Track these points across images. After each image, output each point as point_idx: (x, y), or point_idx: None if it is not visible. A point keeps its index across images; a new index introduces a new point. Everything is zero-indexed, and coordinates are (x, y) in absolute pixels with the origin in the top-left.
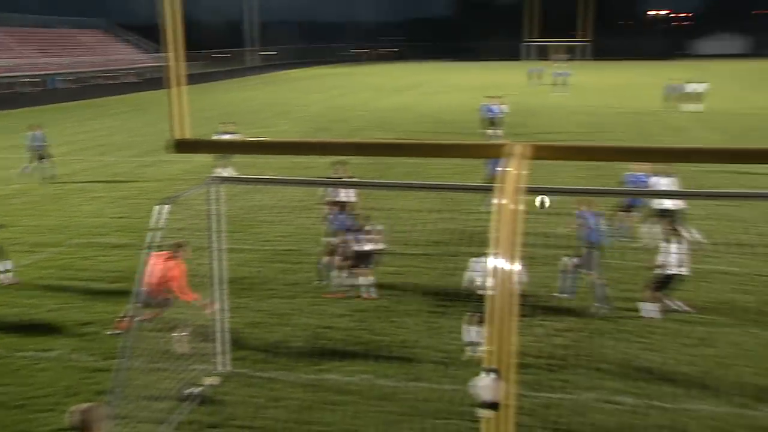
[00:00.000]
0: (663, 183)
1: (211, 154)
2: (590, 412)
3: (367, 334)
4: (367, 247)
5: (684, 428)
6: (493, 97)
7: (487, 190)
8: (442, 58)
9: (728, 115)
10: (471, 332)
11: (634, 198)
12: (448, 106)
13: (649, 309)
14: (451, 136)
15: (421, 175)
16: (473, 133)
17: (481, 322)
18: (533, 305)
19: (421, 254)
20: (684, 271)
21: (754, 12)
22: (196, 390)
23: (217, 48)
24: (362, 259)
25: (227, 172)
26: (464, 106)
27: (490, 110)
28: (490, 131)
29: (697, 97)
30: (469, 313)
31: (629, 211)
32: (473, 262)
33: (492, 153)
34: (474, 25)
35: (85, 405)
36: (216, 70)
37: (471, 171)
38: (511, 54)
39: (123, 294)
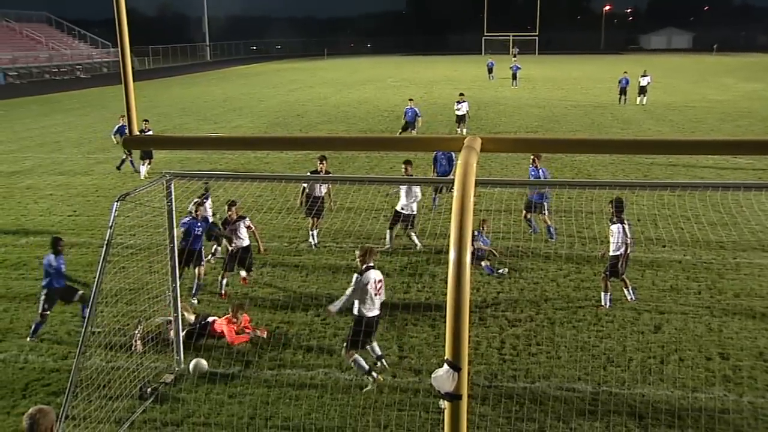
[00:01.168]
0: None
1: (159, 150)
2: (547, 400)
3: (328, 328)
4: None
5: (638, 413)
6: (411, 99)
7: (444, 183)
8: (403, 52)
9: (675, 107)
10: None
11: (540, 194)
12: (407, 100)
13: (604, 297)
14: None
15: (381, 169)
16: (432, 125)
17: None
18: (490, 297)
19: (379, 248)
20: (630, 250)
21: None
22: (153, 388)
23: (171, 43)
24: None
25: (144, 168)
26: (424, 101)
27: (407, 113)
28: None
29: (643, 90)
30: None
31: (535, 210)
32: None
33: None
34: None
35: (33, 408)
36: (170, 65)
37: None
38: (474, 48)
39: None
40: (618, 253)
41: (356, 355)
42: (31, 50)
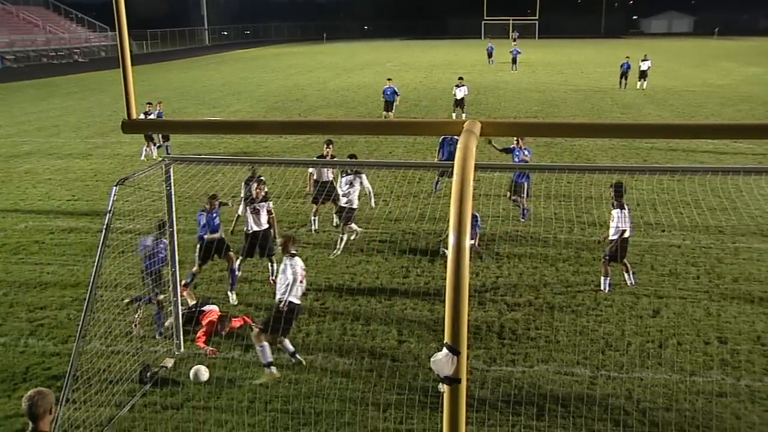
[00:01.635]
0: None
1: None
2: (546, 383)
3: (327, 312)
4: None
5: (636, 396)
6: (390, 79)
7: (444, 168)
8: (402, 36)
9: (675, 92)
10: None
11: (520, 175)
12: (407, 84)
13: (603, 282)
14: (410, 114)
15: (380, 153)
16: (432, 110)
17: None
18: (489, 281)
19: (379, 232)
20: (628, 234)
21: None
22: (152, 372)
23: (170, 27)
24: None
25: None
26: (424, 85)
27: (385, 92)
28: (385, 113)
29: (644, 74)
30: None
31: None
32: None
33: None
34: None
35: (32, 391)
36: (169, 49)
37: (427, 149)
38: (474, 32)
39: (76, 278)
40: (619, 237)
41: (265, 342)
42: (29, 34)
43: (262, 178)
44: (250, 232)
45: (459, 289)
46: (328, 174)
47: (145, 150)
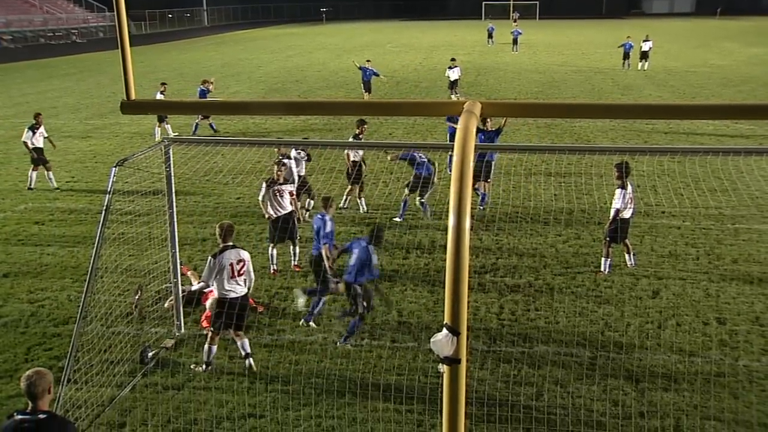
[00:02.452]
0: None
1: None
2: (545, 364)
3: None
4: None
5: (635, 377)
6: (368, 60)
7: (444, 148)
8: (402, 17)
9: (676, 73)
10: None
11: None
12: (407, 66)
13: (603, 263)
14: (410, 95)
15: (380, 135)
16: (431, 91)
17: None
18: (489, 263)
19: (379, 213)
20: (628, 214)
21: None
22: (153, 353)
23: (168, 8)
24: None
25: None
26: (423, 66)
27: (365, 72)
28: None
29: (645, 55)
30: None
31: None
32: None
33: (450, 111)
34: None
35: (31, 371)
36: (167, 30)
37: (427, 131)
38: (474, 13)
39: (76, 259)
40: (624, 216)
41: (209, 345)
42: (26, 14)
43: (283, 160)
44: (274, 217)
45: (459, 270)
46: (358, 154)
47: (158, 129)
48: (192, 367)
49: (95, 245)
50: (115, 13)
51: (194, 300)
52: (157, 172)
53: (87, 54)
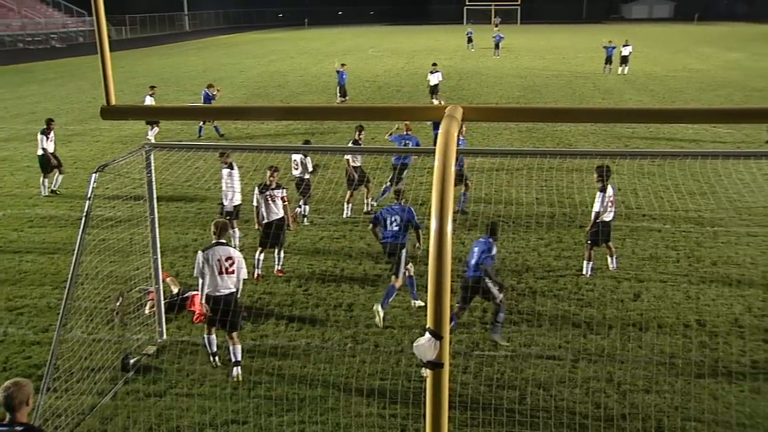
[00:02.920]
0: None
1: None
2: (528, 368)
3: (310, 299)
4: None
5: (616, 379)
6: (344, 64)
7: (426, 153)
8: (384, 22)
9: (655, 77)
10: None
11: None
12: (389, 70)
13: (586, 266)
14: (392, 99)
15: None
16: (414, 96)
17: None
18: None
19: (362, 218)
20: (610, 217)
21: None
22: (135, 360)
23: (149, 12)
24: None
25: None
26: (405, 71)
27: (341, 76)
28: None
29: (625, 59)
30: None
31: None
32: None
33: (432, 115)
34: None
35: (9, 382)
36: (148, 35)
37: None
38: (456, 18)
39: (56, 266)
40: (605, 219)
41: (207, 336)
42: (3, 18)
43: (277, 168)
44: (265, 222)
45: (441, 274)
46: (357, 159)
47: (150, 132)
48: (211, 362)
49: (75, 252)
50: (94, 17)
51: (176, 306)
52: (139, 178)
53: (66, 59)
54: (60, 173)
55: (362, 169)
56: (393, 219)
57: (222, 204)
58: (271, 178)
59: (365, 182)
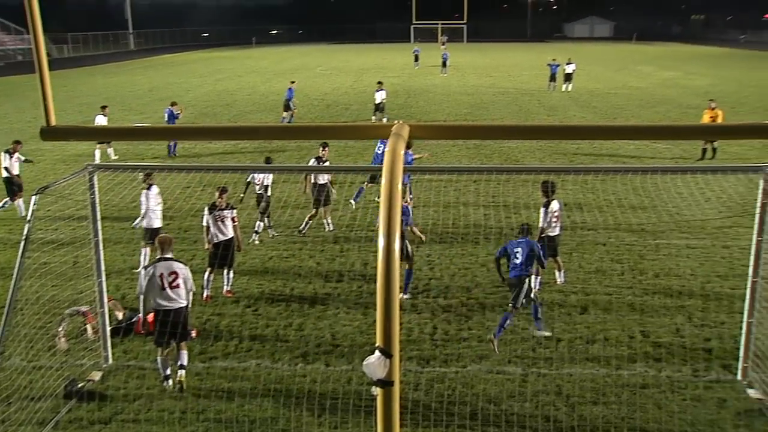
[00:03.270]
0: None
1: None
2: (478, 383)
3: (260, 319)
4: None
5: (565, 392)
6: (293, 81)
7: (374, 171)
8: (332, 40)
9: (598, 94)
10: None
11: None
12: (337, 89)
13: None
14: (340, 118)
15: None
16: (362, 114)
17: None
18: (422, 284)
19: (311, 237)
20: (556, 231)
21: None
22: (79, 387)
23: (92, 30)
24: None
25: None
26: (354, 89)
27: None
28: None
29: (569, 77)
30: None
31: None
32: None
33: (379, 134)
34: (365, 7)
35: None
36: (92, 53)
37: (358, 153)
38: (403, 36)
39: None
40: (551, 234)
41: (159, 357)
42: None
43: (226, 188)
44: (215, 242)
45: (389, 292)
46: (323, 177)
47: (109, 150)
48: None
49: (14, 276)
50: (31, 35)
51: (122, 330)
52: (82, 199)
53: (4, 77)
54: (16, 198)
55: (327, 188)
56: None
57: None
58: (220, 199)
59: (325, 202)
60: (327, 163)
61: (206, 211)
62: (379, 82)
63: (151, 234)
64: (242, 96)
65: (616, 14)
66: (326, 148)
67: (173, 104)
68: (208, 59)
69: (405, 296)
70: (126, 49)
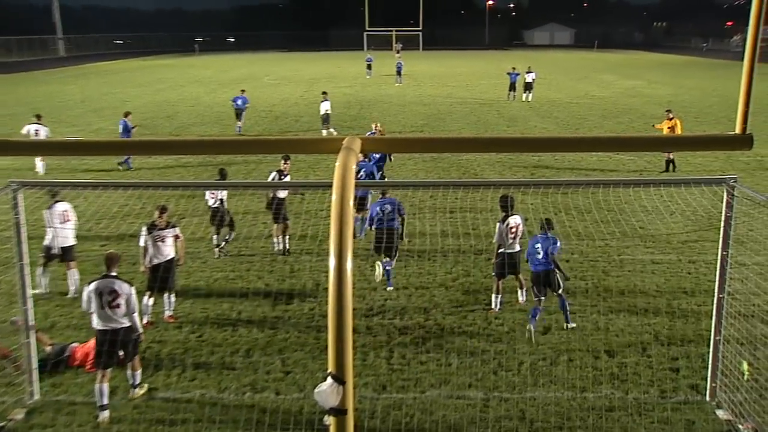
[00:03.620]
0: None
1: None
2: (438, 409)
3: (204, 345)
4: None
5: (528, 416)
6: (243, 90)
7: (325, 186)
8: (281, 48)
9: (559, 104)
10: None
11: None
12: (287, 99)
13: (494, 300)
14: (289, 131)
15: (261, 173)
16: (313, 126)
17: None
18: (377, 305)
19: (259, 258)
20: (516, 248)
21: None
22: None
23: (18, 34)
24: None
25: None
26: (305, 100)
27: (235, 101)
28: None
29: (529, 86)
30: None
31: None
32: None
33: (329, 148)
34: (315, 13)
35: None
36: (15, 59)
37: (309, 167)
38: (356, 44)
39: None
40: (511, 251)
41: (98, 384)
42: None
43: (166, 207)
44: (154, 264)
45: (342, 315)
46: (284, 191)
47: (42, 163)
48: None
49: None
50: None
51: (59, 363)
52: (5, 219)
53: None
54: None
55: (284, 205)
56: (536, 247)
57: (48, 247)
58: (160, 218)
59: (283, 218)
60: (288, 178)
61: (144, 231)
62: (324, 92)
63: (57, 253)
64: (185, 107)
65: (577, 21)
66: (288, 162)
67: (127, 114)
68: (147, 67)
69: (389, 288)
70: (55, 56)
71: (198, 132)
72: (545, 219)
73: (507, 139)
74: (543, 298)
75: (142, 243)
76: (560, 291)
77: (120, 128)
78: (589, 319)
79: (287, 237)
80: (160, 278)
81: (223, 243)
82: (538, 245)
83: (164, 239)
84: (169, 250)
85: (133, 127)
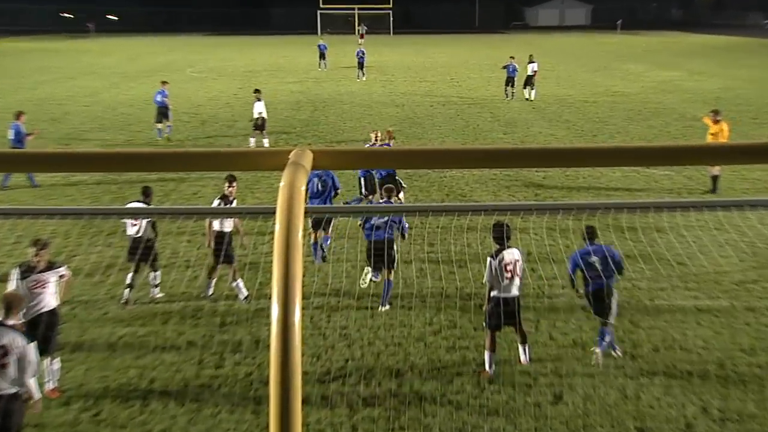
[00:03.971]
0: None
1: None
2: None
3: (102, 427)
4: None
5: None
6: (165, 82)
7: (267, 213)
8: (209, 30)
9: (571, 104)
10: None
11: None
12: (217, 98)
13: (487, 358)
14: (220, 139)
15: (180, 196)
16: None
17: None
18: (336, 366)
19: (180, 303)
20: (515, 291)
21: None
22: None
23: None
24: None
25: None
26: (239, 99)
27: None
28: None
29: (529, 80)
30: None
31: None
32: None
33: (273, 163)
34: None
35: None
36: None
37: (247, 188)
38: (308, 26)
39: None
40: (507, 295)
41: None
42: None
43: (46, 243)
44: (30, 318)
45: (287, 381)
46: (225, 224)
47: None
48: None
49: None
50: None
51: None
52: None
53: None
54: None
55: (230, 238)
56: (592, 261)
57: None
58: (37, 258)
59: (228, 258)
60: (234, 203)
61: (16, 275)
62: (257, 91)
63: None
64: (77, 107)
65: None
66: (234, 184)
67: (19, 115)
68: (24, 52)
69: (384, 308)
70: None
71: (96, 139)
72: (588, 226)
73: (503, 150)
74: (610, 319)
75: (11, 286)
76: (611, 319)
77: (10, 134)
78: (614, 385)
79: (239, 281)
80: (40, 337)
81: (153, 290)
82: (594, 259)
83: (45, 284)
84: (50, 299)
85: (28, 134)
